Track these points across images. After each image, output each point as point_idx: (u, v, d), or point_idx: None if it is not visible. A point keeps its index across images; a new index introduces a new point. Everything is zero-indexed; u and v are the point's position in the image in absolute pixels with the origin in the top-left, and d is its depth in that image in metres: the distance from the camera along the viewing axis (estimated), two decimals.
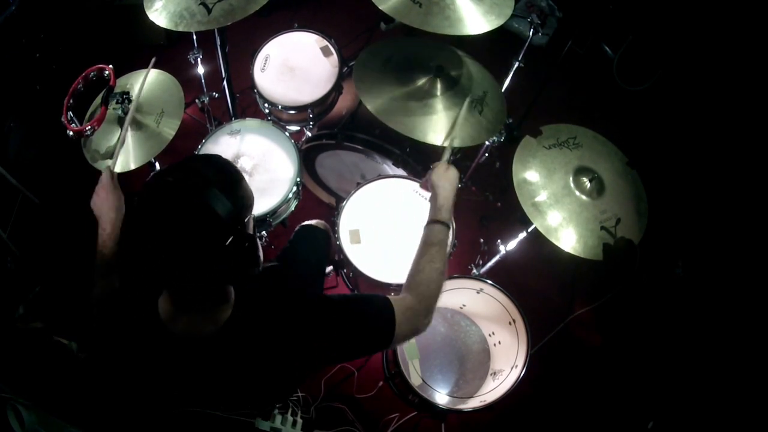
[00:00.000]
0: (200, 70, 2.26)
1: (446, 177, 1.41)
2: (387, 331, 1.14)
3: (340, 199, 2.09)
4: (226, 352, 1.05)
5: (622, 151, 1.83)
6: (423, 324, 1.21)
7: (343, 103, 2.32)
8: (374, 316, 1.15)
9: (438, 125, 1.74)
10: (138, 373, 1.08)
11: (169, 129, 1.80)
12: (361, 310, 1.16)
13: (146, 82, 1.90)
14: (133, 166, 1.79)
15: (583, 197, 1.71)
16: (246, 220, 1.00)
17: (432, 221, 1.35)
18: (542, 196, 1.69)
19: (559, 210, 1.68)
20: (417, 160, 2.14)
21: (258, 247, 1.00)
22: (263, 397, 1.18)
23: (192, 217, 0.91)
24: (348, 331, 1.12)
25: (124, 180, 2.25)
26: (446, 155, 1.49)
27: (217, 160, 1.02)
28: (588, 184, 1.72)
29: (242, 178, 1.01)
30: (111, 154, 1.81)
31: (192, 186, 0.92)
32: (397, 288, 1.86)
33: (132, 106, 1.65)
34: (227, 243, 0.93)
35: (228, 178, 0.98)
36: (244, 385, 1.09)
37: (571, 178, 1.73)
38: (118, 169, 1.80)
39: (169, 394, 1.09)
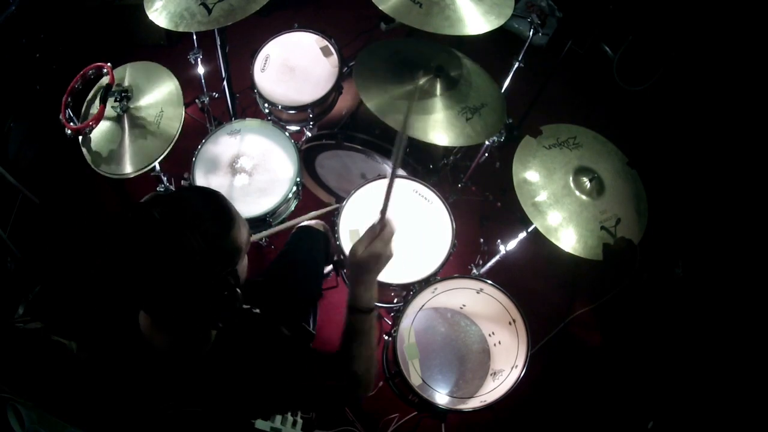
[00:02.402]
0: (200, 70, 2.25)
1: (359, 264, 1.11)
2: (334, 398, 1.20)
3: (340, 199, 2.09)
4: (204, 377, 1.07)
5: (622, 151, 1.83)
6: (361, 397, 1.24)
7: (343, 103, 2.32)
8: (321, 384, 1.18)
9: (437, 125, 1.74)
10: (123, 379, 1.09)
11: (170, 129, 1.79)
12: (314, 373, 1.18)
13: (144, 82, 1.90)
14: (130, 169, 1.79)
15: (583, 197, 1.71)
16: (229, 268, 0.98)
17: (352, 309, 1.16)
18: (542, 196, 1.69)
19: (559, 210, 1.68)
20: (417, 160, 2.14)
21: (237, 297, 0.99)
22: (245, 416, 1.19)
23: (166, 258, 0.89)
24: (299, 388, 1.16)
25: (124, 181, 2.23)
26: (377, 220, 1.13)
27: (213, 202, 0.99)
28: (588, 184, 1.72)
29: (233, 227, 0.97)
30: (110, 153, 1.81)
31: (175, 227, 0.90)
32: (396, 288, 1.86)
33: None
34: (201, 288, 0.93)
35: (217, 225, 0.95)
36: (224, 406, 1.11)
37: (571, 178, 1.73)
38: (111, 171, 1.80)
39: (155, 401, 1.09)
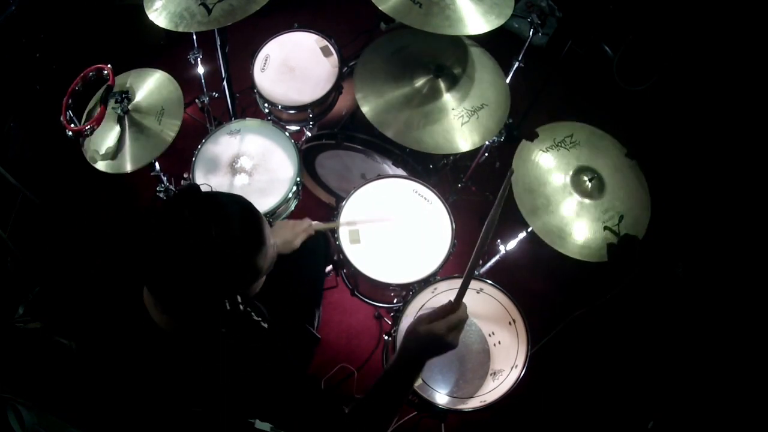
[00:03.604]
0: (200, 70, 2.26)
1: (414, 333, 1.07)
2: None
3: (340, 199, 2.09)
4: (199, 367, 1.07)
5: (620, 143, 1.82)
6: None
7: (343, 103, 2.32)
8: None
9: (439, 134, 1.74)
10: (123, 357, 1.10)
11: (169, 131, 1.80)
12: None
13: (144, 83, 1.91)
14: (130, 168, 1.80)
15: (585, 200, 1.71)
16: (240, 290, 0.97)
17: (389, 376, 1.11)
18: (544, 207, 1.70)
19: (561, 217, 1.68)
20: (417, 160, 2.14)
21: (237, 313, 0.98)
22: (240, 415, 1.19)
23: (179, 259, 0.89)
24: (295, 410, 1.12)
25: (125, 178, 2.25)
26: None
27: (249, 218, 0.97)
28: (588, 184, 1.72)
29: (259, 252, 0.96)
30: (111, 155, 1.82)
31: (201, 229, 0.89)
32: (396, 288, 1.86)
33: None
34: (203, 296, 0.93)
35: (244, 247, 0.93)
36: (215, 402, 1.10)
37: (570, 181, 1.73)
38: (110, 170, 1.81)
39: (150, 382, 1.09)
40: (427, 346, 1.05)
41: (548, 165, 1.76)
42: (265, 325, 1.26)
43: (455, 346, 1.04)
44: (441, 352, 1.05)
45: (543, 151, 1.77)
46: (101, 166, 1.81)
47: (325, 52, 2.31)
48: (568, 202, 1.72)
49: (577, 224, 1.69)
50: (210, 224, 0.89)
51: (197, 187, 0.95)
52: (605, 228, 1.67)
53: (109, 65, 1.83)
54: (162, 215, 0.92)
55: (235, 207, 0.97)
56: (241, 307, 0.98)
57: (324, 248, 1.96)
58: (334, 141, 2.11)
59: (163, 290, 0.95)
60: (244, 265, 0.95)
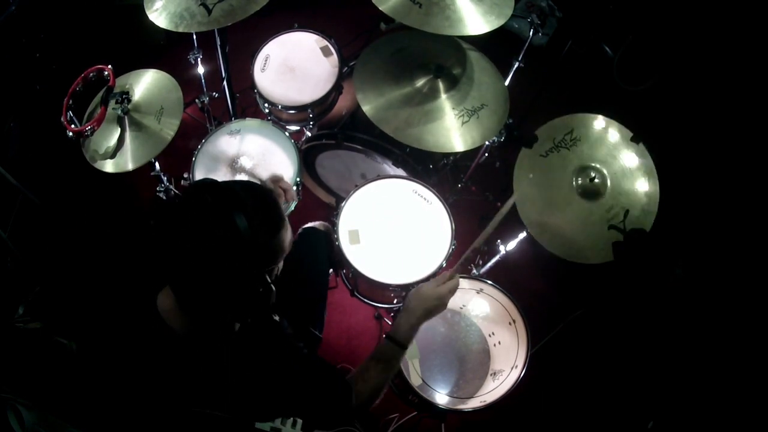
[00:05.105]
0: (200, 70, 2.26)
1: (419, 297, 1.30)
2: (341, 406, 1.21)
3: (340, 199, 2.09)
4: (215, 368, 1.07)
5: (625, 126, 1.80)
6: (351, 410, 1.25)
7: (343, 103, 2.32)
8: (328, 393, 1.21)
9: (439, 133, 1.74)
10: (133, 363, 1.10)
11: (169, 130, 1.81)
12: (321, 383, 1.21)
13: (144, 83, 1.91)
14: (131, 167, 1.80)
15: (587, 202, 1.71)
16: (270, 266, 1.00)
17: (387, 335, 1.31)
18: (549, 217, 1.70)
19: (568, 223, 1.69)
20: (417, 160, 2.14)
21: (270, 295, 1.00)
22: (252, 411, 1.19)
23: (215, 240, 0.90)
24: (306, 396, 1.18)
25: (125, 178, 2.25)
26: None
27: (267, 198, 1.01)
28: (590, 184, 1.71)
29: (282, 227, 1.00)
30: (111, 154, 1.82)
31: (227, 212, 0.91)
32: (395, 289, 1.86)
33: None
34: (240, 278, 0.94)
35: (267, 222, 0.97)
36: (231, 397, 1.11)
37: (573, 182, 1.73)
38: (110, 168, 1.81)
39: (162, 386, 1.10)
40: (429, 305, 1.27)
41: (550, 172, 1.74)
42: (276, 318, 1.28)
43: (445, 308, 1.29)
44: (437, 311, 1.28)
45: (543, 156, 1.76)
46: (101, 165, 1.82)
47: (325, 52, 2.31)
48: (575, 209, 1.71)
49: (585, 230, 1.69)
50: (232, 209, 0.92)
51: (213, 179, 0.98)
52: (610, 227, 1.67)
53: (109, 66, 1.84)
54: (183, 205, 0.94)
55: (251, 191, 1.00)
56: (273, 289, 1.00)
57: (325, 250, 1.96)
58: (334, 141, 2.11)
59: (192, 282, 0.95)
60: (271, 240, 0.98)
